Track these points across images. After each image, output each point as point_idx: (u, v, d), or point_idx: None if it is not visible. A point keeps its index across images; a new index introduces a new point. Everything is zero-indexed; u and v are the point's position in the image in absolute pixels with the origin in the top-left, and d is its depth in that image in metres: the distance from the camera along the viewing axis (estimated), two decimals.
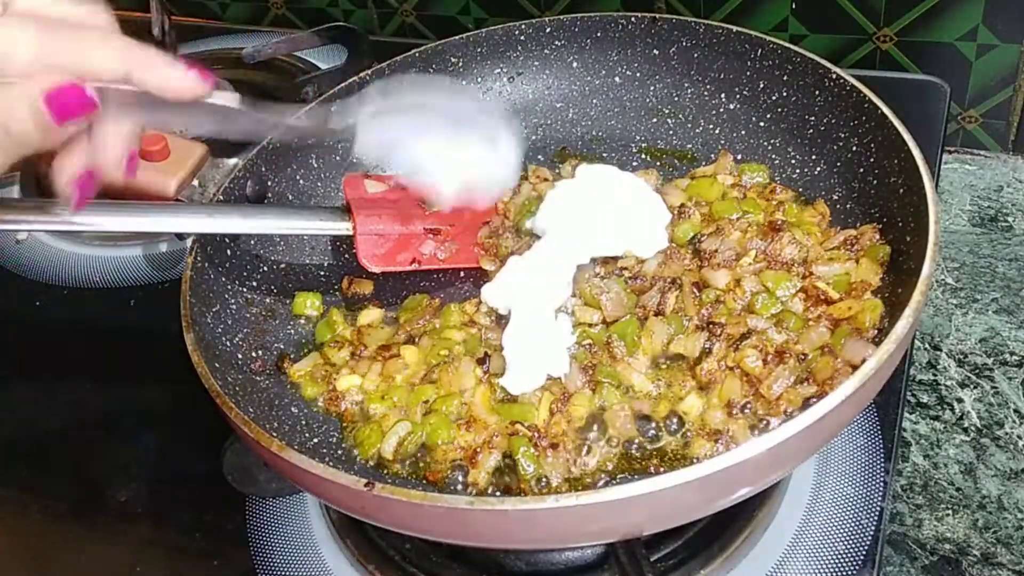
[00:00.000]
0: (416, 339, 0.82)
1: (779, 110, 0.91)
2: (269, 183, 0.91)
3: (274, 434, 0.66)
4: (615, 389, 0.74)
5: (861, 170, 0.82)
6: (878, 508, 0.77)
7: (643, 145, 0.99)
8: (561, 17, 1.01)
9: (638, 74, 1.01)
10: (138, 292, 1.11)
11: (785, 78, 0.90)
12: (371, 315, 0.86)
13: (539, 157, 1.00)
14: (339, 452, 0.76)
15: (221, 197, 0.84)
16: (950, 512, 0.80)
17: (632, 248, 0.84)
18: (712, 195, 0.88)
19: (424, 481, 0.72)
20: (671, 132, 0.98)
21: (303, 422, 0.78)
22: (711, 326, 0.75)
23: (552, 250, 0.83)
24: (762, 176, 0.89)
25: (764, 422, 0.70)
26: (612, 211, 0.86)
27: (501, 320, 0.81)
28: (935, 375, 0.91)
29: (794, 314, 0.75)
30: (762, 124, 0.93)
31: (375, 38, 1.44)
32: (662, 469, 0.70)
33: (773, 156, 0.91)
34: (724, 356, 0.74)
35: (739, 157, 0.92)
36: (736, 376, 0.72)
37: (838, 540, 0.75)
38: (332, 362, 0.82)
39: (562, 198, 0.88)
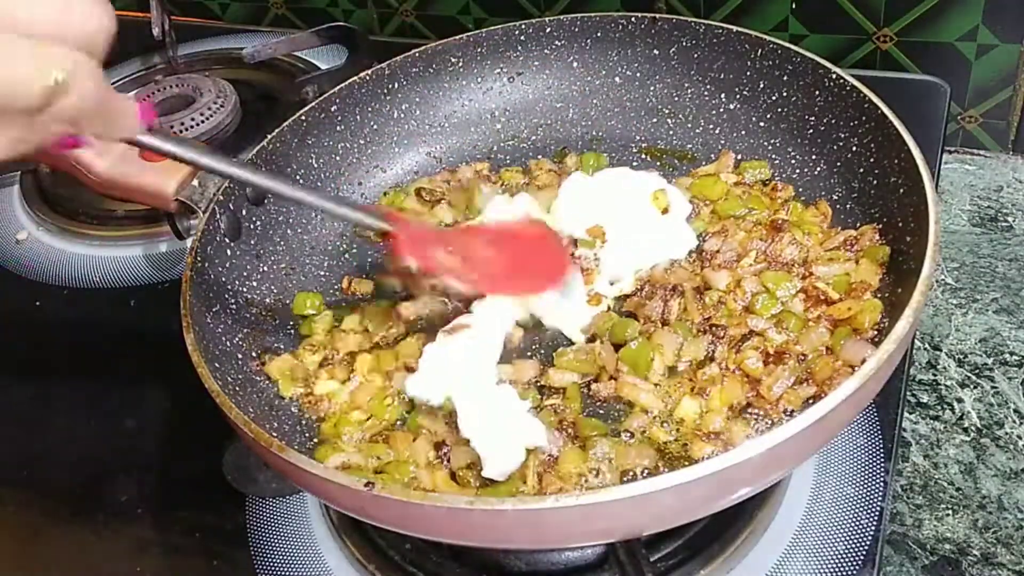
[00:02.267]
0: (382, 346, 0.82)
1: (779, 110, 0.91)
2: None
3: (274, 434, 0.66)
4: (606, 438, 0.71)
5: (861, 170, 0.82)
6: (878, 508, 0.77)
7: (643, 145, 0.99)
8: (561, 17, 1.01)
9: (638, 74, 1.01)
10: (138, 292, 1.11)
11: (785, 78, 0.90)
12: (354, 319, 0.85)
13: (539, 157, 1.00)
14: None
15: (221, 197, 0.83)
16: (950, 512, 0.80)
17: (667, 251, 0.84)
18: (715, 194, 0.88)
19: None
20: (671, 132, 0.98)
21: (303, 422, 0.78)
22: (713, 328, 0.75)
23: (476, 326, 0.79)
24: (763, 172, 0.89)
25: (764, 422, 0.70)
26: (635, 215, 0.86)
27: None
28: (935, 375, 0.91)
29: (794, 315, 0.75)
30: (762, 124, 0.93)
31: (375, 38, 1.44)
32: (662, 469, 0.70)
33: (773, 156, 0.91)
34: (726, 358, 0.74)
35: (739, 157, 0.92)
36: (737, 379, 0.72)
37: (838, 540, 0.75)
38: (304, 363, 0.81)
39: (577, 194, 0.88)
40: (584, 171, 0.96)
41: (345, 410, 0.78)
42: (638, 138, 0.99)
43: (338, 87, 0.97)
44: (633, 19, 0.98)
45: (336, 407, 0.78)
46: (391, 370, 0.80)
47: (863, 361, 0.61)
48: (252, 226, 0.88)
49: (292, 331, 0.86)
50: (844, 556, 0.74)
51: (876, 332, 0.71)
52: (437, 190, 0.97)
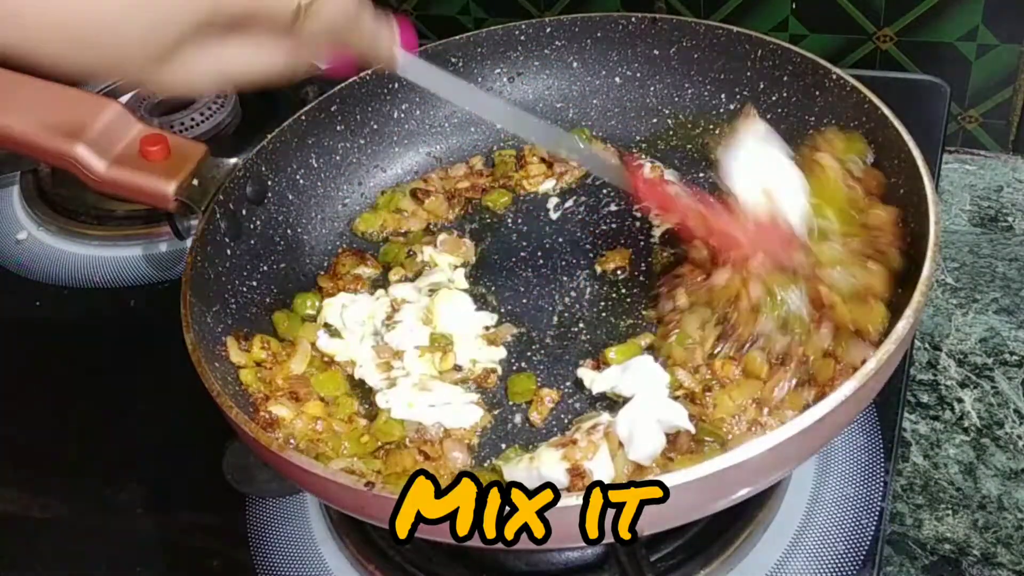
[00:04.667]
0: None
1: (779, 110, 0.91)
2: (269, 183, 0.91)
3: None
4: None
5: None
6: (878, 508, 0.77)
7: (643, 145, 0.99)
8: (561, 17, 1.01)
9: (638, 74, 1.01)
10: (138, 292, 1.11)
11: (785, 78, 0.90)
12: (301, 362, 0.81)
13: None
14: None
15: (221, 197, 0.83)
16: (950, 512, 0.80)
17: None
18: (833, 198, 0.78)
19: None
20: (671, 132, 0.98)
21: None
22: (725, 324, 0.75)
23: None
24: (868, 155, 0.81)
25: (764, 422, 0.70)
26: None
27: None
28: (935, 375, 0.91)
29: (799, 318, 0.74)
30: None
31: None
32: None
33: None
34: (730, 354, 0.73)
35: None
36: (749, 378, 0.72)
37: (838, 540, 0.75)
38: (253, 355, 0.80)
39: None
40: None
41: (309, 438, 0.75)
42: (638, 138, 0.99)
43: (338, 87, 0.97)
44: (633, 19, 0.98)
45: (292, 432, 0.75)
46: (349, 416, 0.77)
47: (863, 362, 0.61)
48: (252, 226, 0.88)
49: None
50: (844, 556, 0.74)
51: (880, 336, 0.71)
52: (432, 190, 0.97)
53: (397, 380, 0.79)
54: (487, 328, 0.84)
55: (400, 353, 0.81)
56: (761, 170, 0.77)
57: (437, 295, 0.85)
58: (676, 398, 0.72)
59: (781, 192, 0.75)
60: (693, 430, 0.69)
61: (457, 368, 0.80)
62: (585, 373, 0.78)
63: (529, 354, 0.82)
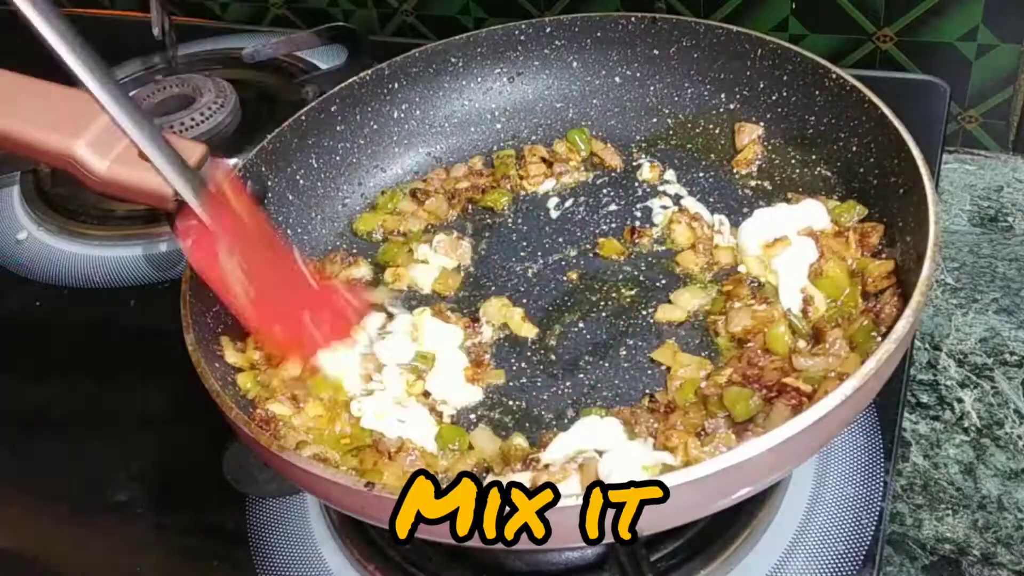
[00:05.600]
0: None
1: (779, 110, 0.91)
2: (269, 183, 0.91)
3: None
4: None
5: (861, 170, 0.82)
6: (878, 508, 0.77)
7: (643, 145, 0.99)
8: (561, 17, 1.01)
9: (638, 74, 1.01)
10: (138, 292, 1.11)
11: (785, 78, 0.90)
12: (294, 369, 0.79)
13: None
14: None
15: None
16: (950, 512, 0.80)
17: None
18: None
19: None
20: (671, 132, 0.98)
21: None
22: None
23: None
24: (860, 211, 0.82)
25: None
26: None
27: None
28: (935, 375, 0.91)
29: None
30: (762, 124, 0.93)
31: (375, 38, 1.44)
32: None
33: (773, 156, 0.92)
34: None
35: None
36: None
37: (838, 540, 0.75)
38: (248, 356, 0.80)
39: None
40: (575, 150, 0.98)
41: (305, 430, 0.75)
42: (638, 138, 0.99)
43: (338, 87, 0.97)
44: (633, 19, 0.98)
45: (291, 428, 0.75)
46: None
47: (863, 361, 0.61)
48: None
49: None
50: (844, 556, 0.74)
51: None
52: (432, 190, 0.97)
53: (374, 392, 0.78)
54: (476, 362, 0.81)
55: (381, 367, 0.80)
56: (769, 233, 0.82)
57: (424, 315, 0.83)
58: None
59: (783, 260, 0.79)
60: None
61: (426, 394, 0.79)
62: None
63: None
